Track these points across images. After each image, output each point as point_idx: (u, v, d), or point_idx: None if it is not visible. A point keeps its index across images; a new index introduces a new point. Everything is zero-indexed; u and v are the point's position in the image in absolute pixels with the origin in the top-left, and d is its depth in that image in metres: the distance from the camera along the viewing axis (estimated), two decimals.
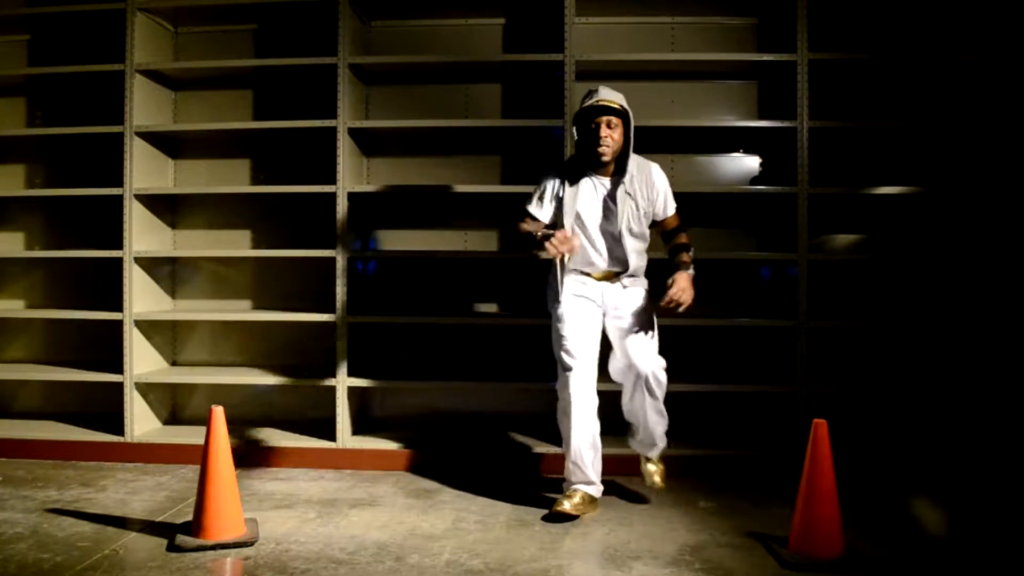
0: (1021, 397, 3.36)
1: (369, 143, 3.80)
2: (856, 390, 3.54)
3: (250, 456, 3.45)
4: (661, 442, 2.93)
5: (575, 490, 2.79)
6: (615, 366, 2.88)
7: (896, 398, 3.59)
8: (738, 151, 3.76)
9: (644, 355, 2.81)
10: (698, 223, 3.73)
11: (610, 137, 2.74)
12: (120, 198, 3.58)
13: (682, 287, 2.74)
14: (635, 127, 3.45)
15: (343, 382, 3.48)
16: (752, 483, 3.21)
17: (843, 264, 3.64)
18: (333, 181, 3.50)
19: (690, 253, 2.88)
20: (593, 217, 2.84)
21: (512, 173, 3.76)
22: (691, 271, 2.81)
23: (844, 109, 3.64)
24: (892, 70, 3.58)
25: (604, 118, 2.73)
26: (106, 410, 3.72)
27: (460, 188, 3.58)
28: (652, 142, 3.68)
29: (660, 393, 2.84)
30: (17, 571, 2.29)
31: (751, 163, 3.76)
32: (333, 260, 3.50)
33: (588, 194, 2.84)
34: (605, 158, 2.77)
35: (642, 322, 2.85)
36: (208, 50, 3.84)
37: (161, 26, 3.78)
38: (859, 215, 3.69)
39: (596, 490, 2.84)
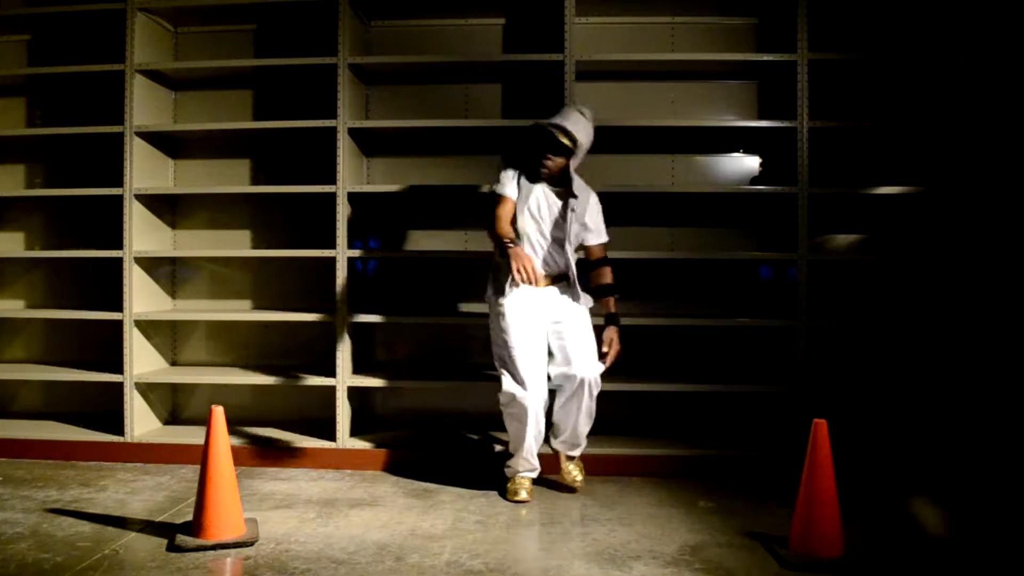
0: (1021, 397, 3.36)
1: (369, 143, 3.81)
2: (856, 390, 3.54)
3: (250, 456, 3.45)
4: (584, 442, 3.11)
5: (523, 478, 3.03)
6: (557, 371, 3.02)
7: (896, 398, 3.59)
8: (738, 151, 3.76)
9: (586, 362, 2.97)
10: (698, 223, 3.75)
11: (555, 163, 2.93)
12: (120, 198, 3.58)
13: (617, 348, 3.05)
14: (635, 127, 3.49)
15: (343, 382, 3.48)
16: (752, 483, 3.21)
17: (843, 264, 3.64)
18: (333, 181, 3.50)
19: (615, 297, 3.11)
20: (545, 221, 3.01)
21: None
22: (619, 322, 3.09)
23: (844, 109, 3.64)
24: (892, 70, 3.58)
25: (559, 144, 2.90)
26: (106, 410, 3.73)
27: (460, 188, 3.57)
28: (652, 142, 3.70)
29: (593, 398, 3.00)
30: (17, 571, 2.29)
31: (751, 163, 3.76)
32: (333, 260, 3.50)
33: (540, 199, 3.00)
34: (543, 177, 2.97)
35: (583, 332, 3.03)
36: (208, 50, 3.84)
37: (161, 26, 3.78)
38: (859, 215, 3.69)
39: (536, 472, 3.08)
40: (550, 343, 3.04)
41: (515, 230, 2.98)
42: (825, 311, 3.56)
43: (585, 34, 3.65)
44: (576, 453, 3.13)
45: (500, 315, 3.00)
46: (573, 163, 2.96)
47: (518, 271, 2.80)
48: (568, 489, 3.11)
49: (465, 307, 3.79)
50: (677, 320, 3.51)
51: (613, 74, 3.72)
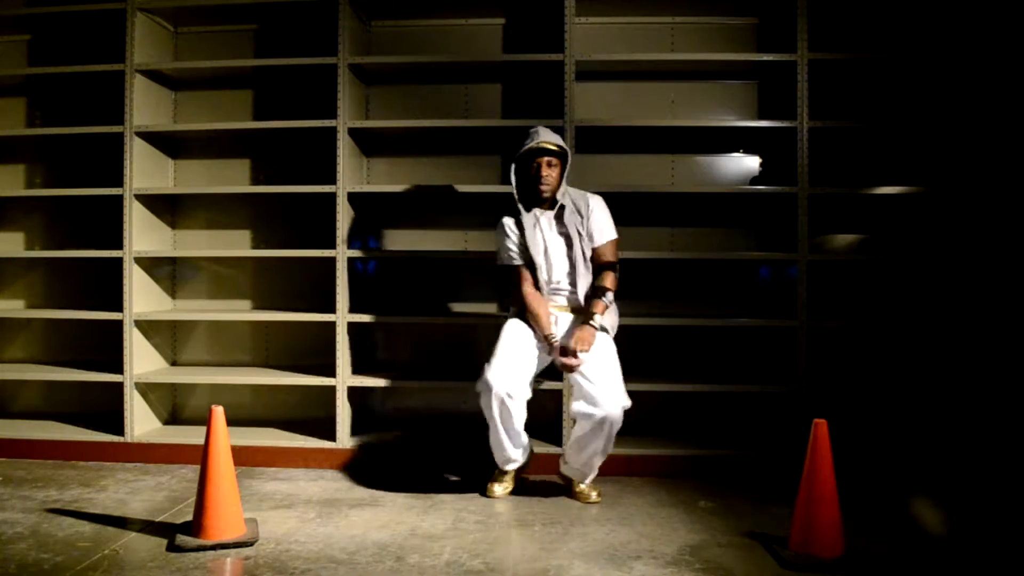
0: (1021, 397, 3.36)
1: (369, 143, 3.81)
2: (856, 390, 3.54)
3: (250, 456, 3.45)
4: (595, 473, 2.99)
5: (501, 474, 3.08)
6: (577, 408, 2.84)
7: (896, 398, 3.59)
8: (738, 151, 3.76)
9: (609, 399, 2.80)
10: (698, 223, 3.75)
11: (550, 175, 2.95)
12: (120, 198, 3.58)
13: (585, 340, 2.85)
14: (635, 127, 3.49)
15: (343, 382, 3.48)
16: (752, 483, 3.21)
17: (843, 264, 3.64)
18: (333, 181, 3.50)
19: (605, 302, 2.94)
20: (549, 250, 3.00)
21: None
22: (598, 324, 2.90)
23: (844, 109, 3.64)
24: (892, 70, 3.58)
25: (544, 158, 2.95)
26: (106, 410, 3.73)
27: (460, 188, 3.58)
28: (652, 142, 3.70)
29: (612, 438, 2.85)
30: (17, 571, 2.29)
31: (751, 163, 3.76)
32: (333, 260, 3.50)
33: (541, 230, 3.01)
34: (546, 194, 2.97)
35: (605, 364, 2.89)
36: (208, 50, 3.85)
37: (161, 26, 3.78)
38: (859, 215, 3.69)
39: (513, 464, 3.05)
40: (570, 377, 2.94)
41: (535, 279, 3.00)
42: (825, 311, 3.56)
43: (585, 34, 3.65)
44: (587, 483, 3.01)
45: (507, 324, 3.02)
46: (567, 170, 2.98)
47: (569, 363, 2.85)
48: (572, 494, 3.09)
49: (465, 307, 3.80)
50: (677, 320, 3.51)
51: (613, 74, 3.72)
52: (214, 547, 2.45)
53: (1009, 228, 3.49)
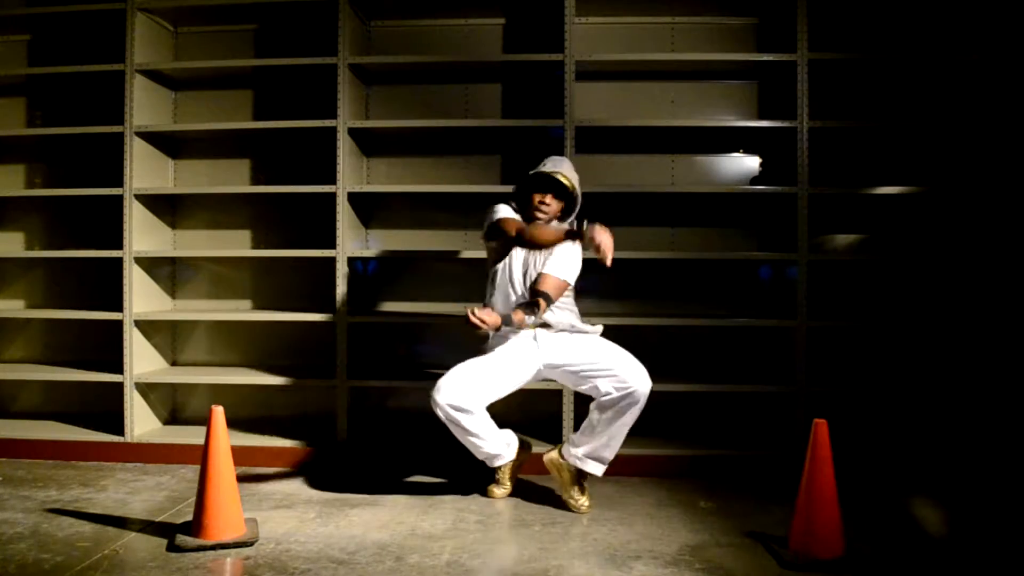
0: (1021, 397, 3.36)
1: (369, 143, 3.81)
2: (856, 390, 3.54)
3: (250, 456, 3.45)
4: (612, 456, 2.87)
5: (498, 475, 3.04)
6: (608, 387, 2.77)
7: (896, 398, 3.59)
8: (738, 151, 3.76)
9: (635, 375, 2.77)
10: (698, 223, 3.75)
11: (550, 207, 2.92)
12: (120, 198, 3.58)
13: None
14: (635, 127, 3.49)
15: (343, 382, 3.48)
16: (752, 483, 3.21)
17: (843, 264, 3.64)
18: (333, 181, 3.50)
19: (540, 302, 2.80)
20: (520, 267, 2.93)
21: (512, 173, 3.75)
22: (534, 313, 2.80)
23: (844, 109, 3.64)
24: (892, 70, 3.58)
25: (549, 195, 2.90)
26: (106, 410, 3.73)
27: (460, 189, 3.58)
28: (652, 142, 3.70)
29: (637, 415, 2.80)
30: (17, 571, 2.29)
31: (751, 163, 3.76)
32: (333, 260, 3.50)
33: (521, 253, 2.94)
34: (543, 219, 2.92)
35: (611, 350, 2.86)
36: (208, 50, 3.85)
37: (161, 26, 3.78)
38: (859, 215, 3.69)
39: (511, 451, 2.98)
40: (575, 385, 2.90)
41: (499, 284, 2.94)
42: (825, 311, 3.56)
43: (585, 34, 3.65)
44: (598, 471, 2.86)
45: (486, 347, 2.99)
46: (573, 213, 2.94)
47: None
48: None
49: (465, 307, 3.78)
50: (677, 320, 3.51)
51: (613, 74, 3.72)
52: (214, 547, 2.45)
53: (1009, 228, 3.49)
